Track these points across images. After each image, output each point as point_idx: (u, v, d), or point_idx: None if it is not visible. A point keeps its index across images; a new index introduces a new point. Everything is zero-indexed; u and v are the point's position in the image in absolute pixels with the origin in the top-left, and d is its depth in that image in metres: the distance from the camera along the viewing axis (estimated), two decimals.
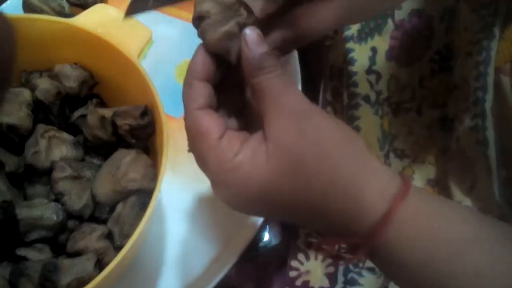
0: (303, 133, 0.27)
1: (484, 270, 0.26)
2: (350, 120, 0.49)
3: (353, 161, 0.28)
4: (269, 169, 0.27)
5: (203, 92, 0.29)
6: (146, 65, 0.44)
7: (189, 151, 0.31)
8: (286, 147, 0.27)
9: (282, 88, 0.28)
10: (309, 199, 0.27)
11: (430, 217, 0.27)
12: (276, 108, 0.28)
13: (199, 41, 0.31)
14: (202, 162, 0.30)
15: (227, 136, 0.29)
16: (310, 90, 0.56)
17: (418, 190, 0.28)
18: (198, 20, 0.30)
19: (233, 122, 0.32)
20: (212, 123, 0.29)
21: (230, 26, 0.29)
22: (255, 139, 0.29)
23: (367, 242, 0.27)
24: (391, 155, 0.50)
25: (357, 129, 0.49)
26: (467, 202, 0.42)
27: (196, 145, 0.29)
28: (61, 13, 0.54)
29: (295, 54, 0.55)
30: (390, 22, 0.50)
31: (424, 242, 0.27)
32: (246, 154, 0.28)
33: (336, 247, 0.29)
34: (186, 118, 0.30)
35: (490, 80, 0.40)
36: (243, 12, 0.30)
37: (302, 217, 0.29)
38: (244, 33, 0.29)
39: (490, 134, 0.40)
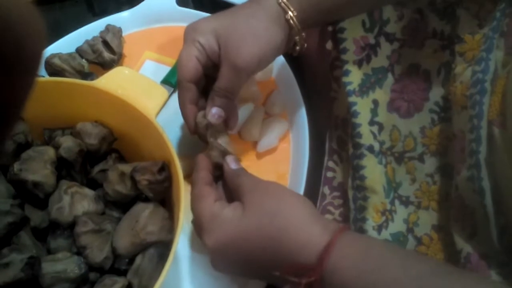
0: (266, 194, 0.42)
1: (401, 278, 0.35)
2: (356, 169, 0.51)
3: (305, 209, 0.41)
4: (244, 217, 0.40)
5: (207, 181, 0.45)
6: (162, 116, 0.47)
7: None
8: (255, 203, 0.41)
9: (252, 184, 0.43)
10: (271, 233, 0.39)
11: (364, 244, 0.38)
12: (249, 193, 0.42)
13: None
14: (198, 215, 0.43)
15: (220, 201, 0.43)
16: (317, 139, 0.58)
17: (355, 233, 0.42)
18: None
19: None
20: (212, 191, 0.44)
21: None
22: (236, 202, 0.43)
23: (317, 268, 0.36)
24: (396, 202, 0.52)
25: (363, 178, 0.50)
26: (468, 248, 0.43)
27: (197, 204, 0.43)
28: (81, 72, 0.57)
29: (302, 106, 0.58)
30: (390, 76, 0.53)
31: (357, 260, 0.36)
32: (229, 209, 0.42)
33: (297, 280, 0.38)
34: (193, 188, 0.45)
35: (484, 132, 0.42)
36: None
37: (266, 255, 0.39)
38: (226, 159, 0.47)
39: (486, 184, 0.41)
